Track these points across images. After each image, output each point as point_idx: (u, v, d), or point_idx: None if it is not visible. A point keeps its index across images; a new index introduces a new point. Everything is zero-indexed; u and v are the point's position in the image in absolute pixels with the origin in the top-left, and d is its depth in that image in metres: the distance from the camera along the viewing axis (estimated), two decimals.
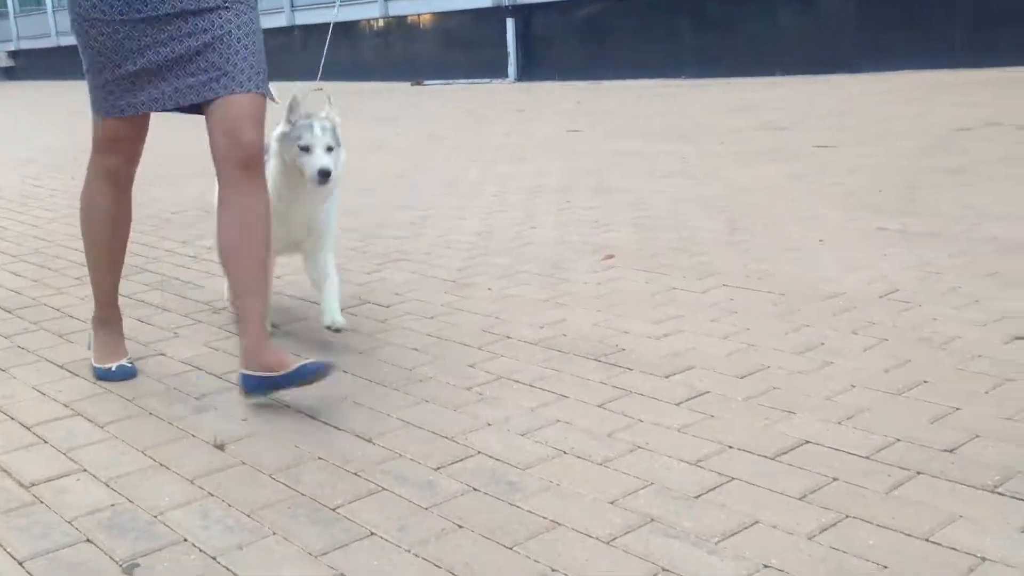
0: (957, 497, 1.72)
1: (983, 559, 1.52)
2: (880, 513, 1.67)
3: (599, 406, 2.21)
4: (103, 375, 2.55)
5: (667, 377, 2.36)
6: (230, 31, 2.29)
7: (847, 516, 1.67)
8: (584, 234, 3.99)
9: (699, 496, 1.77)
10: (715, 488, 1.80)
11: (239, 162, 2.28)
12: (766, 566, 1.53)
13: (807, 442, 1.97)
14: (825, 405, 2.14)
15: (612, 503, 1.76)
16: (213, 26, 2.27)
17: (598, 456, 1.95)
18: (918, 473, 1.81)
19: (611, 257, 3.57)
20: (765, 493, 1.77)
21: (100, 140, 2.45)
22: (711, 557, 1.57)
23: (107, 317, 2.65)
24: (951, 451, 1.89)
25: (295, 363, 2.21)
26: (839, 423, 2.05)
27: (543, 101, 10.74)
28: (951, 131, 6.16)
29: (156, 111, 2.36)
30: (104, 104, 2.36)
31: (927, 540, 1.58)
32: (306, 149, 2.55)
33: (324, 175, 2.54)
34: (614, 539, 1.64)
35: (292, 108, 2.58)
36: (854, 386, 2.24)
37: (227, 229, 2.35)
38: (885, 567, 1.51)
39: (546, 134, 7.67)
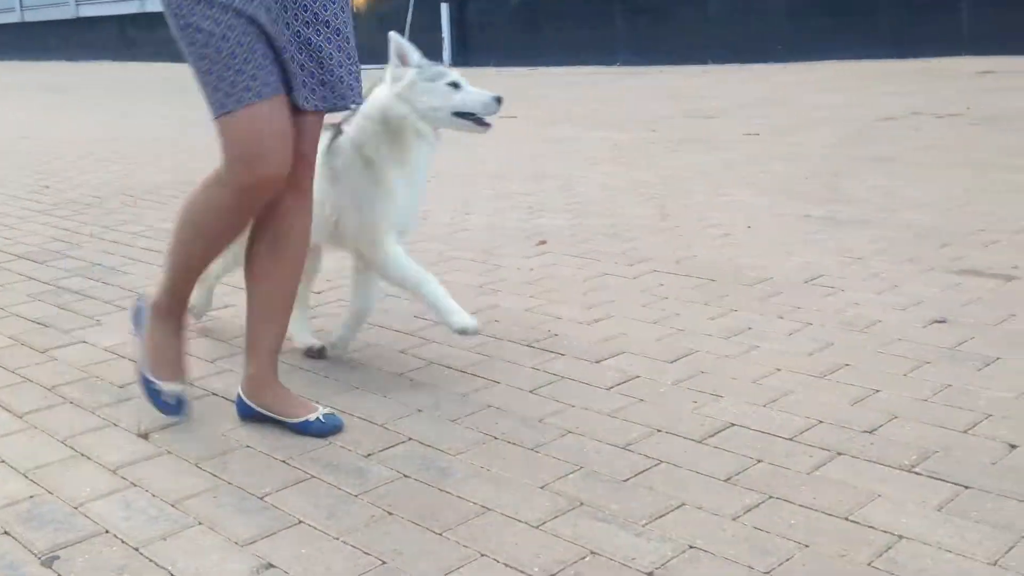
0: (876, 477, 1.76)
1: (900, 537, 1.56)
2: (802, 493, 1.71)
3: (531, 391, 2.22)
4: (152, 395, 2.07)
5: (598, 362, 2.38)
6: (343, 32, 1.99)
7: (770, 497, 1.71)
8: (518, 220, 3.99)
9: (627, 480, 1.79)
10: (643, 471, 1.82)
11: (294, 179, 1.99)
12: (691, 547, 1.56)
13: (733, 425, 2.00)
14: (751, 388, 2.18)
15: (542, 488, 1.77)
16: (328, 26, 1.96)
17: (529, 441, 1.96)
18: (839, 454, 1.85)
19: (544, 243, 3.58)
20: (692, 475, 1.80)
21: (237, 146, 1.88)
22: (638, 539, 1.59)
23: (177, 302, 2.12)
24: (871, 432, 1.94)
25: (300, 414, 2.03)
26: (764, 406, 2.09)
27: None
28: (875, 120, 6.30)
29: (297, 94, 1.93)
30: (234, 91, 1.84)
31: (847, 519, 1.62)
32: (455, 86, 2.26)
33: (500, 101, 2.27)
34: (543, 523, 1.65)
35: (407, 51, 2.25)
36: (779, 369, 2.29)
37: (260, 242, 2.04)
38: (806, 546, 1.55)
39: None
